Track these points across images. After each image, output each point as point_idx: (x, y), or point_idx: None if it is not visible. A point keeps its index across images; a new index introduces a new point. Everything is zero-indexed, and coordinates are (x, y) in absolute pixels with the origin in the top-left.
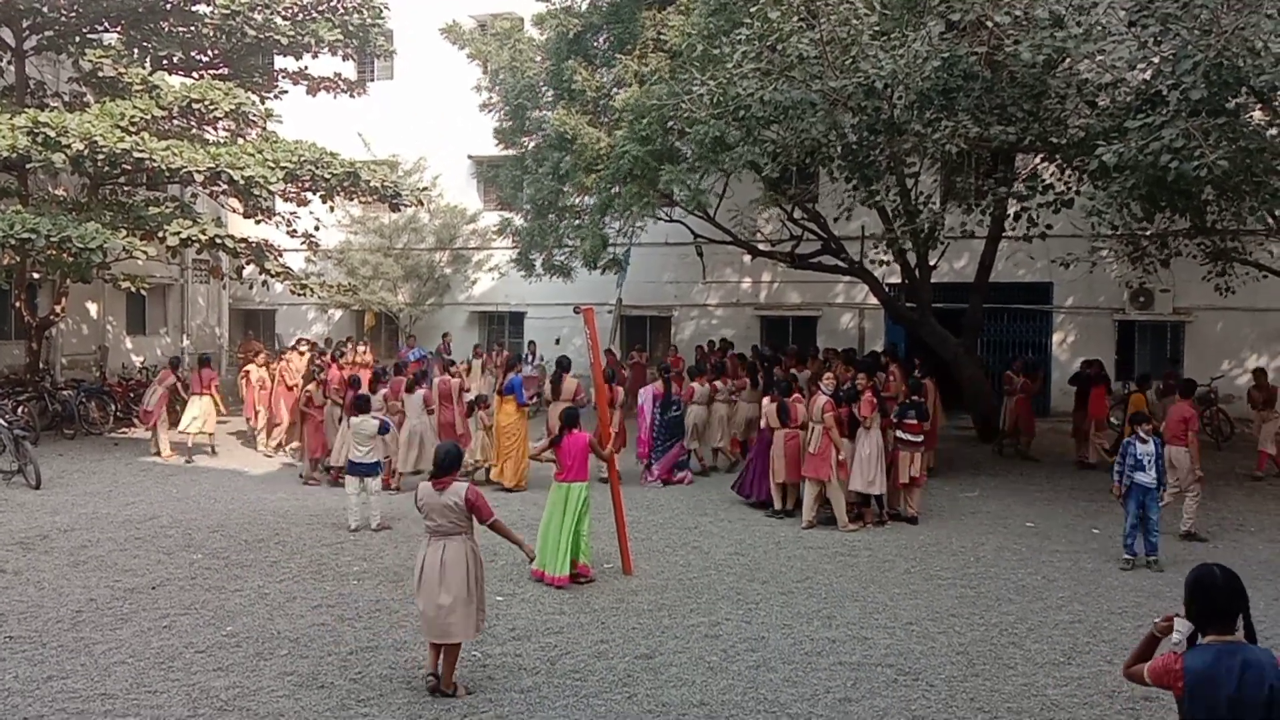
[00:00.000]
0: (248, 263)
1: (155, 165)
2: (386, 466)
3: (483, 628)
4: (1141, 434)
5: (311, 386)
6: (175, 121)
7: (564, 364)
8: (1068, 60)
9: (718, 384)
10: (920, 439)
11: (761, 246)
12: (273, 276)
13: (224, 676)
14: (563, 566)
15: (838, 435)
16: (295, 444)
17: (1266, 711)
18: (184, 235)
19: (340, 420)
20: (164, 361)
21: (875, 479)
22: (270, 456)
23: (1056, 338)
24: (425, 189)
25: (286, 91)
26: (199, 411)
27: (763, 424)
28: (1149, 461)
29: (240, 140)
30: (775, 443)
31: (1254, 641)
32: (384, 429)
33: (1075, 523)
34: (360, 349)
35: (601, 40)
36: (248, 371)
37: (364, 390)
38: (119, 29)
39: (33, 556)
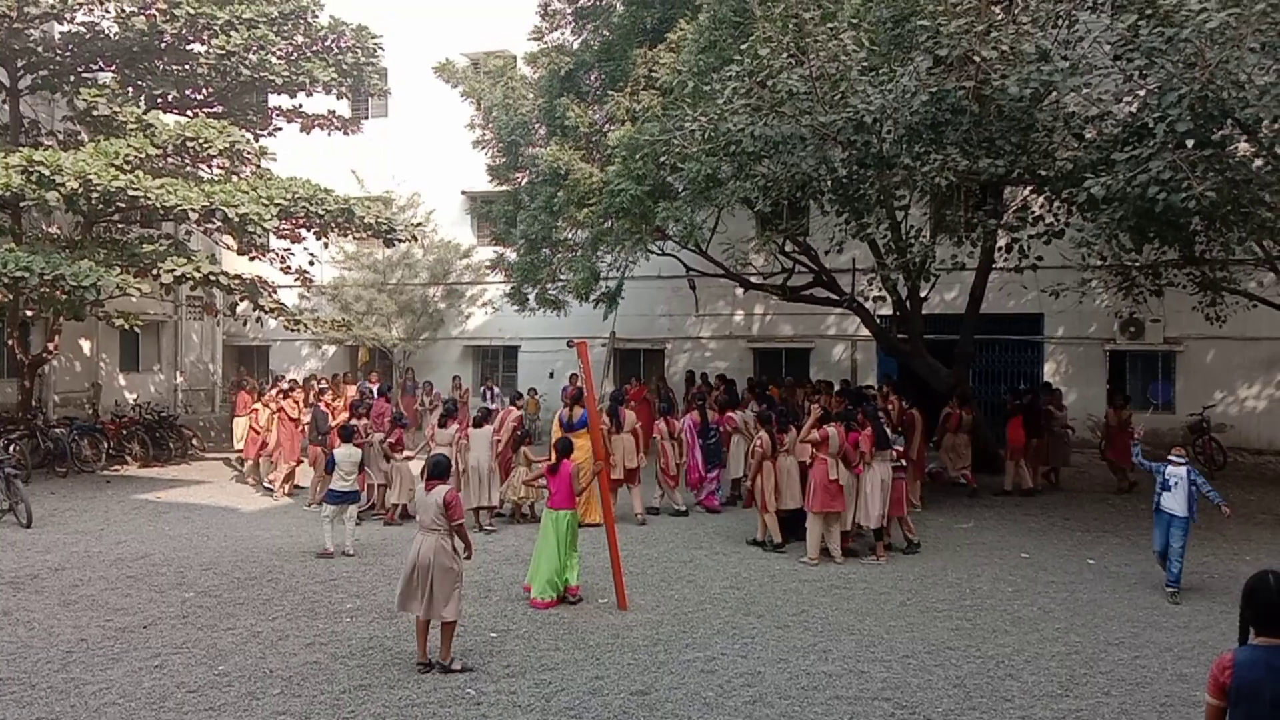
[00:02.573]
0: (242, 299)
1: (149, 203)
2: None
3: (460, 612)
4: (1174, 457)
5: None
6: (169, 159)
7: (618, 398)
8: (1054, 94)
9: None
10: (903, 464)
11: (753, 279)
12: (267, 313)
13: (216, 717)
14: (546, 591)
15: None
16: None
17: None
18: (178, 272)
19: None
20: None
21: (877, 513)
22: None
23: (1048, 368)
24: (419, 224)
25: (281, 129)
26: (240, 433)
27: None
28: (1176, 483)
29: (234, 177)
30: (762, 472)
31: None
32: (363, 466)
33: (1070, 553)
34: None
35: (593, 78)
36: (255, 411)
37: (352, 421)
38: (114, 68)
39: (23, 596)
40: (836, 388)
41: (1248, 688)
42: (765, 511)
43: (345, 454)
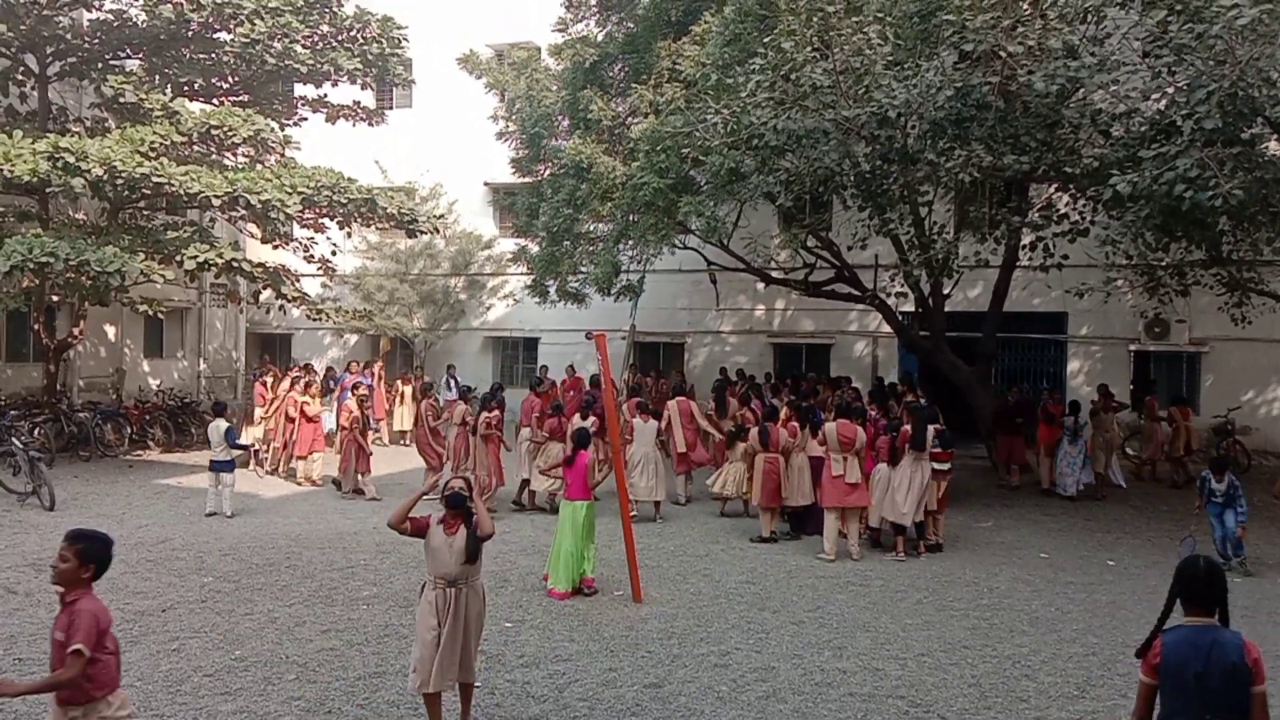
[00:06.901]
0: (265, 287)
1: (174, 190)
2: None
3: None
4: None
5: (426, 409)
6: (195, 147)
7: (720, 386)
8: (1081, 90)
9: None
10: (948, 466)
11: (775, 274)
12: (289, 301)
13: (231, 701)
14: (563, 582)
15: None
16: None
17: (1227, 685)
18: (201, 259)
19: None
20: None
21: (903, 510)
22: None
23: (1071, 367)
24: (441, 215)
25: (306, 118)
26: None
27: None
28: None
29: (259, 166)
30: (755, 467)
31: (1226, 625)
32: (230, 436)
33: (1090, 554)
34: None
35: (617, 70)
36: (304, 404)
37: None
38: (141, 56)
39: (44, 578)
40: (853, 383)
41: (1174, 665)
42: (761, 506)
43: (214, 427)
